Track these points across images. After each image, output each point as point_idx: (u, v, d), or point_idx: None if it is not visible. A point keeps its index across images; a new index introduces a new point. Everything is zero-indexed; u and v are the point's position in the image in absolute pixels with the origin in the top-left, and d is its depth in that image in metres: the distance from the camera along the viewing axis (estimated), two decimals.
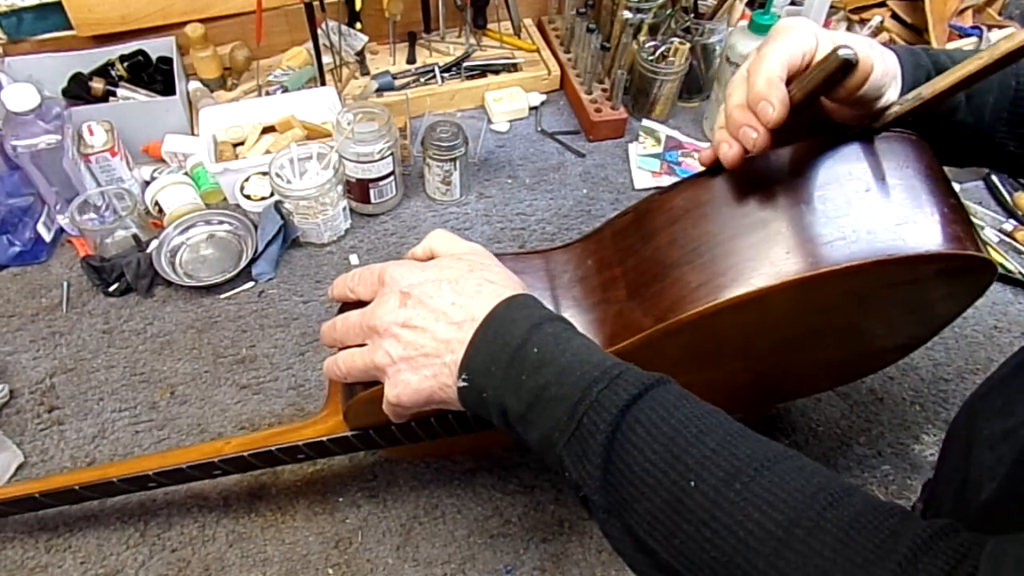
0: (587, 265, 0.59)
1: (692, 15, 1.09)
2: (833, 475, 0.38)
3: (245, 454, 0.62)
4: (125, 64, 1.02)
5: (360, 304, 0.53)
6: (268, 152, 0.98)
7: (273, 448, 0.62)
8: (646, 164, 1.06)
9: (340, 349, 0.53)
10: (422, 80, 1.12)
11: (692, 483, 0.38)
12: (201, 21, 1.02)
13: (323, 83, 1.06)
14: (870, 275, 0.49)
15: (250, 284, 0.90)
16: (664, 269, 0.53)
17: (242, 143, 1.00)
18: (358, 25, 1.09)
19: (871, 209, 0.50)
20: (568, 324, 0.48)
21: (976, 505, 0.49)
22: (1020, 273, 0.94)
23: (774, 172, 0.53)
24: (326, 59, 1.05)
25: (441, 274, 0.50)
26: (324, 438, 0.62)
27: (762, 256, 0.50)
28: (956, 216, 0.52)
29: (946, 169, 0.55)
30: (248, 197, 0.92)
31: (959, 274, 0.53)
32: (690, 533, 0.38)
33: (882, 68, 0.49)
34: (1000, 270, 0.93)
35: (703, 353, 0.58)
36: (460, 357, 0.46)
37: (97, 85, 1.00)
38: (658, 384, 0.42)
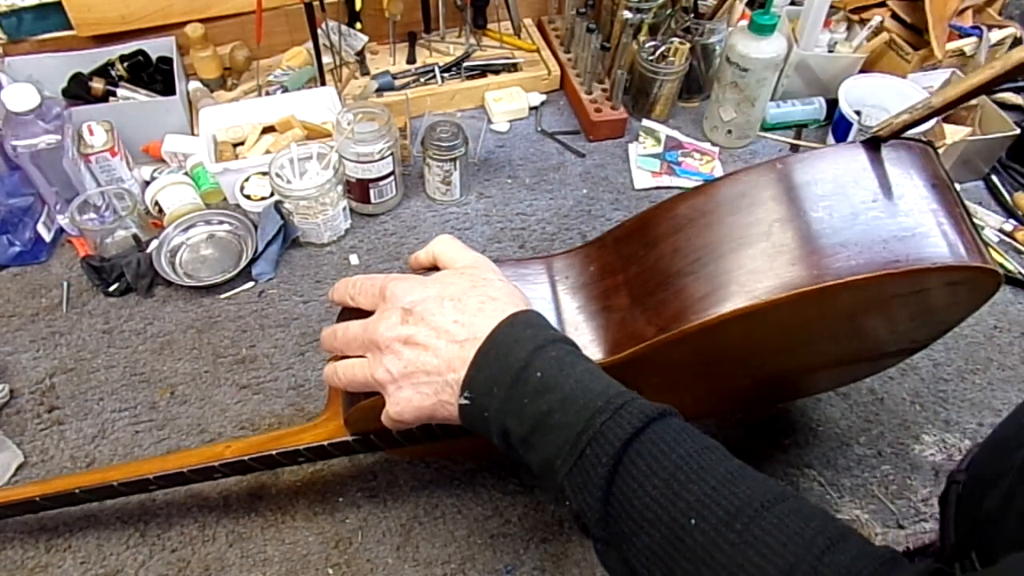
0: (589, 271, 0.59)
1: (692, 15, 1.09)
2: (828, 515, 0.38)
3: (246, 458, 0.62)
4: (125, 64, 1.02)
5: (361, 311, 0.53)
6: (268, 152, 0.98)
7: (274, 452, 0.62)
8: (646, 164, 1.06)
9: (340, 356, 0.53)
10: (422, 80, 1.12)
11: (692, 521, 0.38)
12: (201, 21, 1.03)
13: (323, 83, 1.06)
14: (875, 287, 0.49)
15: (250, 284, 0.90)
16: (667, 278, 0.53)
17: (242, 143, 1.00)
18: (358, 25, 1.09)
19: (877, 220, 0.50)
20: (571, 345, 0.47)
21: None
22: (1020, 273, 0.94)
23: (778, 182, 0.53)
24: (326, 59, 1.05)
25: (444, 291, 0.49)
26: (325, 443, 0.62)
27: (766, 268, 0.49)
28: (962, 227, 0.51)
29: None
30: (248, 197, 0.92)
31: (965, 283, 0.53)
32: (689, 571, 0.37)
33: None
34: (1000, 270, 0.92)
35: (705, 360, 0.58)
36: (462, 376, 0.46)
37: (97, 85, 1.00)
38: (660, 417, 0.42)
